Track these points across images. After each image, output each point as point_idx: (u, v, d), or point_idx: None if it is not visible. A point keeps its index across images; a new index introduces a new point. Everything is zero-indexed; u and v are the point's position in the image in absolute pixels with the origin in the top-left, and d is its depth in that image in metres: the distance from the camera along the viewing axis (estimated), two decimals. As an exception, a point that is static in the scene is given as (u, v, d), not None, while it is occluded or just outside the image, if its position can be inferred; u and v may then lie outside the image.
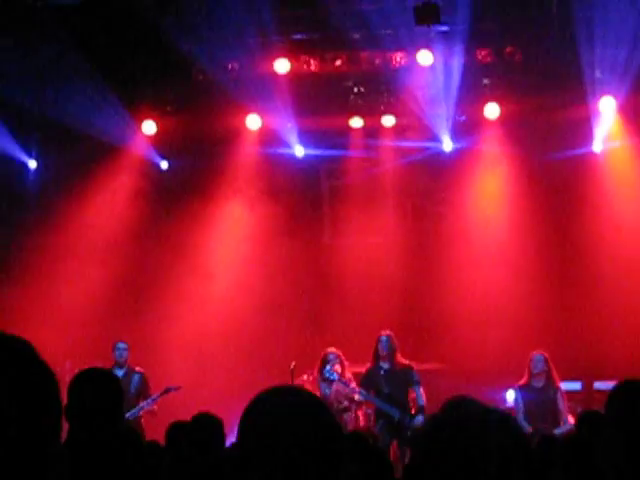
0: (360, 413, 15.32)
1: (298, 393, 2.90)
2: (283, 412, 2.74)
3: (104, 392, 5.42)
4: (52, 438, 2.12)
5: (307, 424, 2.71)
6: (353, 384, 14.96)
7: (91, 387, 5.46)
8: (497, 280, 18.04)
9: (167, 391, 15.14)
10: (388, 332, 15.09)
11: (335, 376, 14.81)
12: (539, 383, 14.63)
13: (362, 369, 15.29)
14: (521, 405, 14.60)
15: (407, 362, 15.12)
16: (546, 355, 14.70)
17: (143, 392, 15.18)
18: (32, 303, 17.99)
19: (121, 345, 15.43)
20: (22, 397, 2.06)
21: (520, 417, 14.32)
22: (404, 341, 17.04)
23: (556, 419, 14.37)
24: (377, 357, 15.00)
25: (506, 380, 15.98)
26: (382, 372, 14.88)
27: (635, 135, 17.70)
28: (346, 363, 15.24)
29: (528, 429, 13.70)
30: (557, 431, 13.85)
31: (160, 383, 15.47)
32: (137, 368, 15.43)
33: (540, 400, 14.50)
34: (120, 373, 15.07)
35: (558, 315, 17.86)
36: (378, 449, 8.84)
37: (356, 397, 14.89)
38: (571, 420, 14.09)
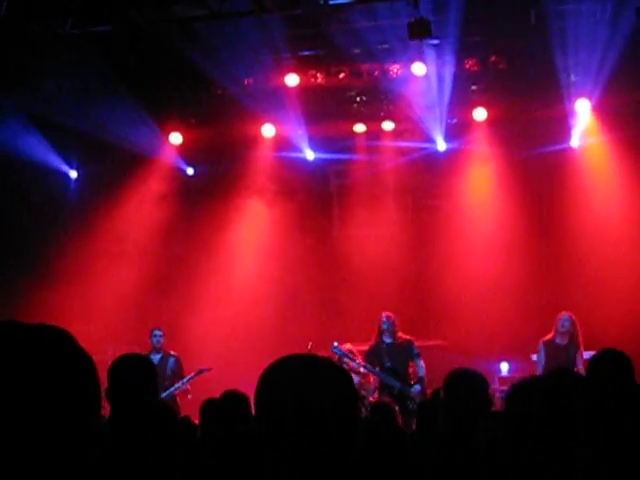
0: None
1: (314, 358, 2.78)
2: (298, 373, 2.64)
3: (139, 374, 5.45)
4: (92, 416, 2.13)
5: (322, 386, 2.60)
6: (359, 359, 14.93)
7: (127, 370, 5.49)
8: (489, 265, 18.07)
9: (200, 372, 15.15)
10: (389, 313, 15.05)
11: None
12: (563, 341, 14.40)
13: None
14: (543, 358, 14.40)
15: (408, 337, 15.07)
16: (573, 317, 14.50)
17: (178, 373, 15.20)
18: (75, 300, 18.08)
19: (157, 332, 15.47)
20: (64, 381, 2.07)
21: (539, 369, 14.28)
22: (408, 320, 17.07)
23: None
24: (380, 333, 14.93)
25: (500, 354, 16.00)
26: (384, 346, 14.82)
27: (608, 132, 17.72)
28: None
29: None
30: None
31: (193, 365, 15.47)
32: (172, 352, 15.47)
33: (560, 356, 14.21)
34: (157, 357, 15.13)
35: (545, 295, 17.85)
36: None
37: (361, 370, 14.82)
38: None
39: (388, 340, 14.90)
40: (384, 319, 14.95)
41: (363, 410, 12.56)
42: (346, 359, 14.78)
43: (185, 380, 15.02)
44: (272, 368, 2.67)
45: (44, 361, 2.07)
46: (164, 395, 14.51)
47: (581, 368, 14.04)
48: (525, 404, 2.98)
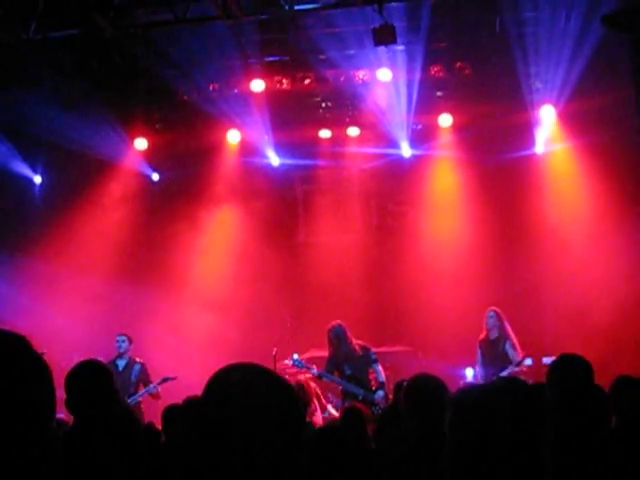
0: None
1: (252, 367, 2.70)
2: (237, 383, 2.60)
3: (95, 380, 5.44)
4: (46, 422, 2.13)
5: (261, 395, 2.56)
6: (315, 368, 14.81)
7: (83, 377, 5.48)
8: (455, 270, 18.15)
9: (164, 381, 15.10)
10: (338, 321, 14.92)
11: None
12: (493, 335, 15.08)
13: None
14: (480, 356, 15.07)
15: (362, 343, 14.90)
16: (498, 311, 15.20)
17: (143, 380, 15.16)
18: (39, 305, 17.98)
19: (120, 338, 15.41)
20: (17, 386, 2.07)
21: (477, 367, 15.06)
22: (375, 326, 17.16)
23: (504, 364, 14.64)
24: (335, 344, 14.71)
25: (464, 359, 16.05)
26: (342, 354, 14.65)
27: (573, 138, 17.83)
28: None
29: (482, 375, 14.58)
30: (502, 373, 14.28)
31: (157, 372, 15.43)
32: (137, 359, 15.42)
33: (492, 349, 14.98)
34: (122, 363, 15.15)
35: (510, 302, 17.95)
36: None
37: (324, 379, 14.63)
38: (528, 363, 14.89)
39: (344, 348, 14.70)
40: (336, 328, 14.82)
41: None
42: (306, 369, 14.71)
43: (150, 388, 14.96)
44: (213, 379, 2.66)
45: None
46: (129, 401, 14.50)
47: (512, 357, 14.82)
48: (481, 409, 3.00)
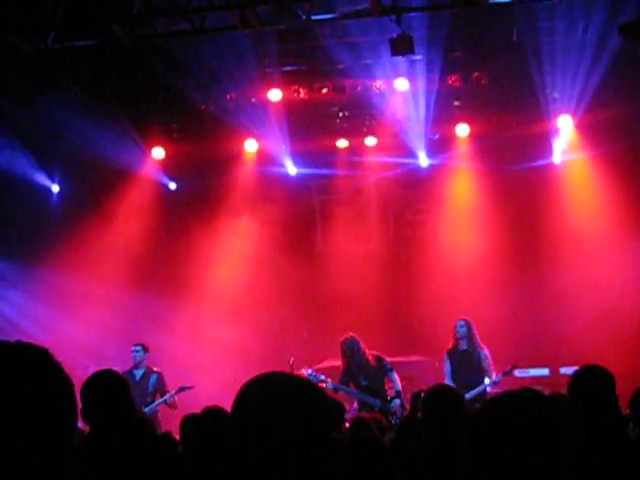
0: None
1: (285, 376, 2.77)
2: (271, 393, 2.63)
3: (110, 391, 5.45)
4: (68, 434, 2.13)
5: (294, 404, 2.60)
6: (331, 381, 14.74)
7: (98, 388, 5.49)
8: (472, 280, 18.12)
9: (181, 390, 15.10)
10: (351, 334, 14.86)
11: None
12: (463, 346, 14.74)
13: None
14: (449, 367, 14.69)
15: (375, 353, 14.85)
16: (468, 320, 14.87)
17: (160, 389, 15.16)
18: (57, 314, 18.04)
19: (136, 347, 15.40)
20: (39, 399, 2.08)
21: (447, 379, 14.50)
22: (391, 335, 17.13)
23: (479, 376, 14.41)
24: (349, 356, 14.66)
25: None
26: (355, 366, 14.59)
27: (590, 148, 17.82)
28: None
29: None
30: (481, 388, 14.21)
31: (175, 381, 15.41)
32: (155, 368, 15.41)
33: (465, 360, 14.60)
34: (139, 373, 15.16)
35: (527, 312, 17.94)
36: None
37: (340, 392, 14.50)
38: (494, 377, 14.45)
39: (358, 359, 14.65)
40: (349, 341, 14.73)
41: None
42: (322, 384, 14.63)
43: (167, 397, 14.97)
44: (246, 387, 2.67)
45: (20, 380, 2.07)
46: (146, 410, 14.50)
47: (486, 368, 14.54)
48: (501, 421, 2.99)
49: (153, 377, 15.23)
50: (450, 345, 14.86)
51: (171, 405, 15.03)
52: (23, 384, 2.08)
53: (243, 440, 2.55)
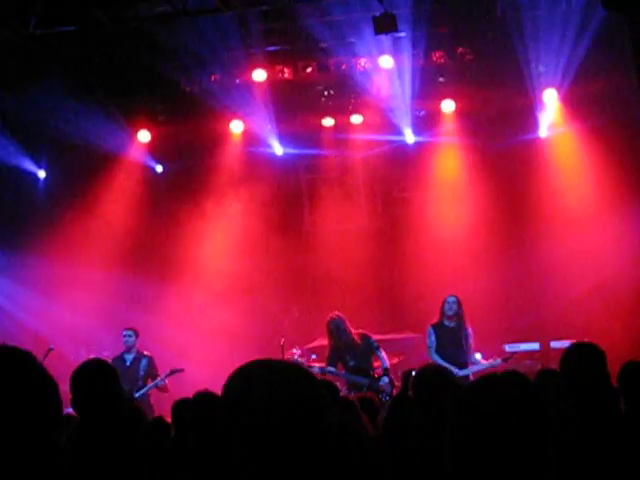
0: None
1: (276, 362, 2.73)
2: (259, 379, 2.61)
3: (98, 379, 5.45)
4: (52, 432, 2.13)
5: (284, 389, 2.58)
6: (317, 364, 14.73)
7: (86, 377, 5.49)
8: (460, 255, 18.14)
9: (172, 373, 15.10)
10: (337, 313, 14.72)
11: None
12: (451, 323, 14.47)
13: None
14: (434, 341, 14.43)
15: (361, 331, 14.75)
16: (458, 297, 14.60)
17: (151, 373, 15.15)
18: (44, 300, 18.03)
19: (127, 332, 15.38)
20: (23, 403, 2.07)
21: (432, 352, 14.34)
22: (381, 313, 17.14)
23: (464, 353, 14.25)
24: (335, 335, 14.55)
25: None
26: (342, 346, 14.49)
27: (576, 122, 17.82)
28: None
29: (441, 363, 13.34)
30: (473, 369, 14.08)
31: (166, 365, 15.39)
32: (145, 352, 15.40)
33: (451, 336, 14.34)
34: (130, 357, 15.16)
35: (517, 286, 17.98)
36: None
37: (327, 374, 14.40)
38: (478, 358, 14.44)
39: (345, 338, 14.54)
40: (335, 320, 14.64)
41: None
42: (308, 367, 14.57)
43: (158, 381, 14.97)
44: (235, 375, 2.66)
45: (4, 383, 2.07)
46: (137, 395, 14.53)
47: (470, 343, 14.34)
48: (493, 397, 2.99)
49: (144, 361, 15.22)
50: (436, 320, 14.60)
51: (162, 389, 15.04)
52: (7, 387, 2.07)
53: (234, 425, 2.54)
